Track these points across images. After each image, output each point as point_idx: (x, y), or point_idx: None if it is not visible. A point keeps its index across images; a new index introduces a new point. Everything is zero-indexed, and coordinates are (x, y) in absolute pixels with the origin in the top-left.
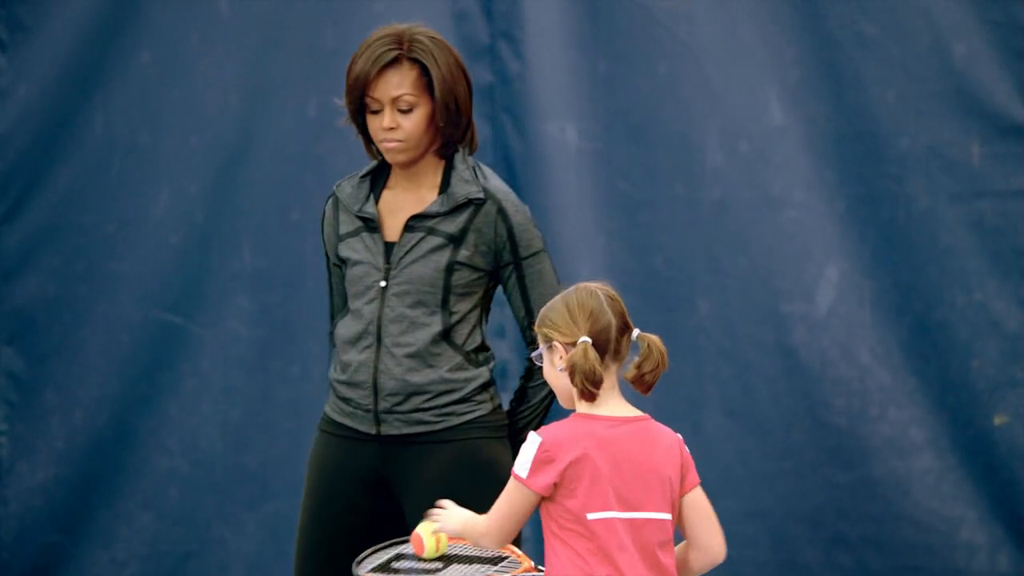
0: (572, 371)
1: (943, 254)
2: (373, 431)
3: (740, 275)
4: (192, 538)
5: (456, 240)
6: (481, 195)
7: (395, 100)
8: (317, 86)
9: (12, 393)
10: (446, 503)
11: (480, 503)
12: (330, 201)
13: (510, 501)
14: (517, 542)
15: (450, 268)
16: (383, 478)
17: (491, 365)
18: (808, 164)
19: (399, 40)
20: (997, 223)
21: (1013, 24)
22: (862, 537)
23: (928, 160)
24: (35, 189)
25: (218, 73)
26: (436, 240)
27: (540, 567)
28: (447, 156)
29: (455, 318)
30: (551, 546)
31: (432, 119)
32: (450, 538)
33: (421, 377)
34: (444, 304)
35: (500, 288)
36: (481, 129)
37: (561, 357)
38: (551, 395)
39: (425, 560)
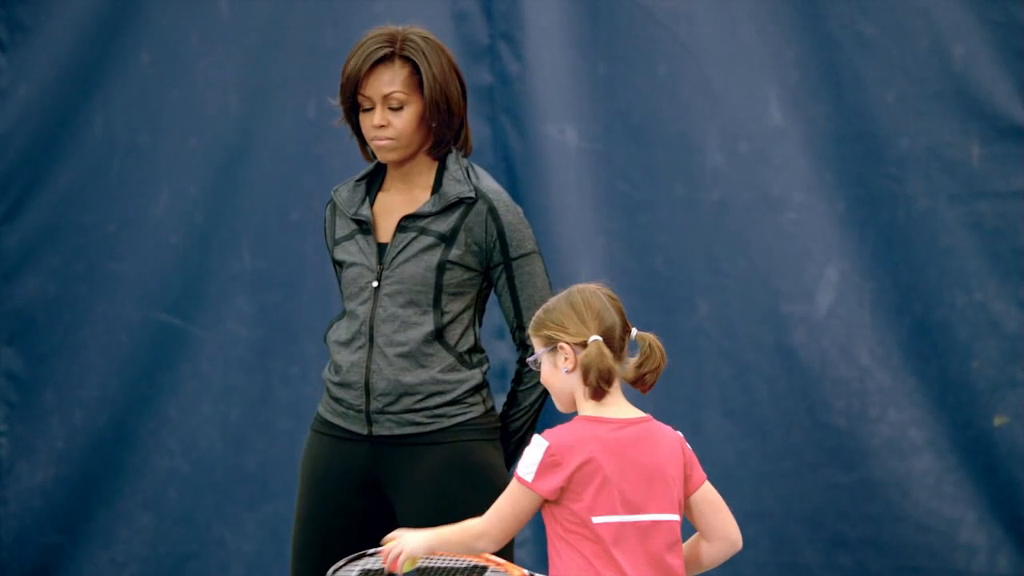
0: (587, 371)
1: (943, 255)
2: (365, 432)
3: (740, 275)
4: (192, 538)
5: (447, 239)
6: (472, 194)
7: (386, 98)
8: (317, 86)
9: (12, 393)
10: (395, 533)
11: (471, 505)
12: (328, 206)
13: (512, 503)
14: (510, 545)
15: (441, 267)
16: (375, 479)
17: (484, 367)
18: (808, 165)
19: (392, 39)
20: (997, 224)
21: (1013, 24)
22: (862, 538)
23: (928, 161)
24: (35, 189)
25: (218, 73)
26: (427, 239)
27: (536, 574)
28: (440, 157)
29: (447, 318)
30: (555, 548)
31: (423, 118)
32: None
33: (412, 377)
34: (436, 303)
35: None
36: (481, 130)
37: (567, 359)
38: (541, 398)
39: None
